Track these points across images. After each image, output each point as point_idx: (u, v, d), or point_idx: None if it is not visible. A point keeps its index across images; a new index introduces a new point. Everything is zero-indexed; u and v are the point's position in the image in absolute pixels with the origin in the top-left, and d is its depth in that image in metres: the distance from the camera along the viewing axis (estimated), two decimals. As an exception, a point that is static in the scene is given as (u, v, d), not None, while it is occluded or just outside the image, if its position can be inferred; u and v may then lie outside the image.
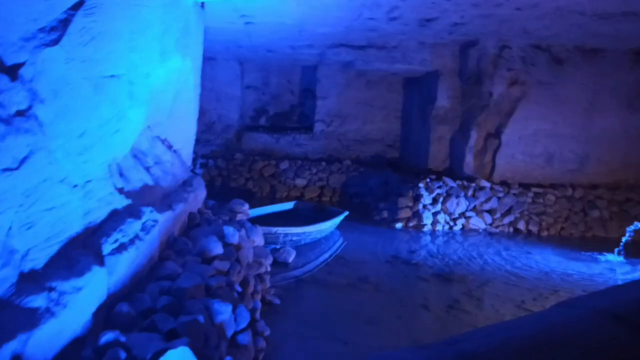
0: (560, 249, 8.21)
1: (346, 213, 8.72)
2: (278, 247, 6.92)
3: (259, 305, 4.47)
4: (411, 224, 9.09)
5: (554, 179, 9.98)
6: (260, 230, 5.80)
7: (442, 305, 5.61)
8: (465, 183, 9.58)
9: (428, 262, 7.18)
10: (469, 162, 10.25)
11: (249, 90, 13.52)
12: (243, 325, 3.72)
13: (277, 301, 5.08)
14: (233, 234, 4.81)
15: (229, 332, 3.55)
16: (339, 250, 7.53)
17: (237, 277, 4.35)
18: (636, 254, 7.64)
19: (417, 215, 9.08)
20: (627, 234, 7.66)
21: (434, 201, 9.26)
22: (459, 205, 9.20)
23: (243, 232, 5.16)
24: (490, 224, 9.26)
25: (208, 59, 12.33)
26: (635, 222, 7.98)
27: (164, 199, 4.61)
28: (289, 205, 9.18)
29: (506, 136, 9.88)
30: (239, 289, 4.11)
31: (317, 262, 6.88)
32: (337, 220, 8.19)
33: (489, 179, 10.04)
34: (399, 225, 9.09)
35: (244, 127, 13.16)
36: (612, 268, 7.29)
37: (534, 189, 9.51)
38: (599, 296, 1.60)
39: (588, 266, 7.33)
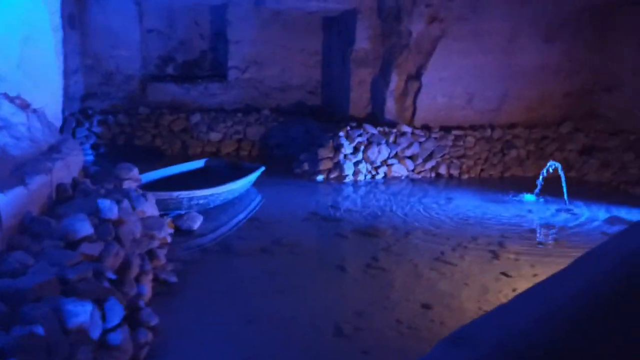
0: (480, 192, 8.14)
1: (262, 169, 8.06)
2: (182, 212, 6.19)
3: (146, 290, 3.81)
4: (332, 176, 8.63)
5: (474, 120, 9.83)
6: (151, 198, 5.04)
7: (360, 264, 5.24)
8: (387, 129, 9.18)
9: (348, 217, 6.78)
10: (390, 106, 9.84)
11: (151, 35, 12.06)
12: (115, 321, 3.07)
13: (173, 279, 4.44)
14: (110, 208, 4.04)
15: (95, 334, 2.90)
16: (254, 211, 6.94)
17: (113, 261, 3.64)
18: (552, 192, 7.70)
19: (339, 166, 8.62)
20: (542, 174, 7.66)
21: (355, 150, 8.81)
22: (380, 153, 8.83)
23: (126, 203, 4.39)
24: (413, 170, 9.01)
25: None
26: (550, 161, 8.00)
27: (15, 172, 3.71)
28: (199, 164, 8.37)
29: (427, 77, 9.50)
30: (112, 276, 3.41)
31: (229, 226, 6.26)
32: (251, 177, 7.53)
33: (410, 124, 9.71)
34: (320, 177, 8.60)
35: (149, 77, 11.84)
36: (529, 209, 7.28)
37: (454, 132, 9.31)
38: (494, 324, 1.10)
39: (506, 209, 7.28)
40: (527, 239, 6.05)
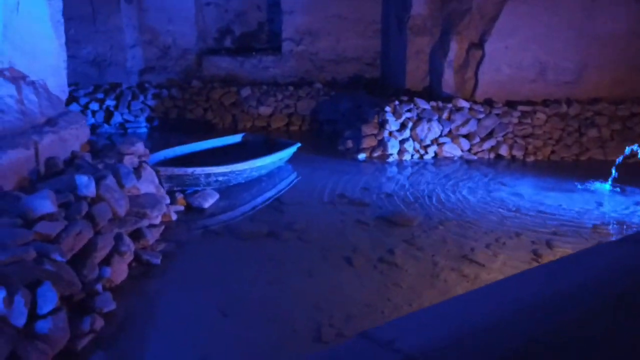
0: (544, 178, 7.04)
1: (297, 145, 7.62)
2: (199, 189, 5.96)
3: (109, 272, 3.56)
4: (376, 154, 7.96)
5: (547, 94, 8.55)
6: (149, 174, 4.80)
7: (371, 258, 4.64)
8: (441, 104, 8.26)
9: (378, 201, 6.15)
10: (449, 79, 8.85)
11: (208, 8, 11.97)
12: (48, 307, 2.83)
13: (156, 261, 4.18)
14: (87, 185, 3.83)
15: (18, 321, 2.67)
16: (281, 191, 6.53)
17: (73, 242, 3.42)
18: (632, 181, 6.43)
19: (382, 143, 7.92)
20: (622, 157, 6.39)
21: (402, 127, 8.03)
22: (430, 130, 7.96)
23: (110, 180, 4.16)
24: (468, 151, 8.05)
25: (153, -28, 10.78)
26: (636, 144, 6.67)
27: (-12, 145, 3.59)
28: (236, 138, 8.11)
29: (490, 46, 8.36)
30: (60, 258, 3.17)
31: (246, 206, 5.92)
32: (281, 155, 7.10)
33: (471, 98, 8.68)
34: (362, 156, 7.97)
35: (206, 51, 11.79)
36: (599, 201, 6.13)
37: (520, 108, 8.15)
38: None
39: (570, 199, 6.18)
40: (586, 239, 5.03)
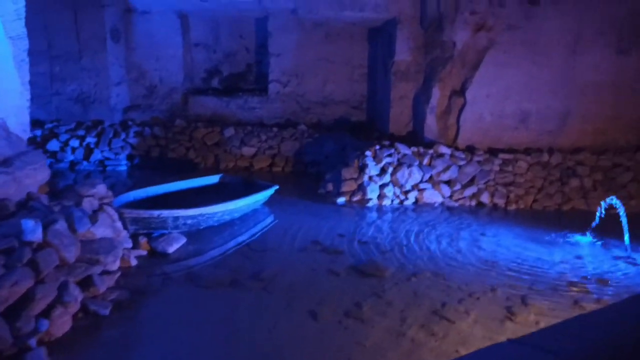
0: (525, 228, 6.88)
1: (275, 188, 7.48)
2: (166, 233, 5.74)
3: (46, 325, 3.30)
4: (355, 199, 7.81)
5: (530, 142, 8.53)
6: (107, 216, 4.59)
7: (337, 311, 4.39)
8: (422, 150, 8.19)
9: (352, 249, 5.94)
10: (431, 125, 8.84)
11: (198, 49, 12.09)
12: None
13: (104, 312, 3.92)
14: (33, 230, 3.63)
15: None
16: (254, 236, 6.31)
17: (8, 292, 3.18)
18: (612, 233, 6.28)
19: (362, 188, 7.78)
20: (600, 209, 6.26)
21: (382, 171, 7.92)
22: (411, 175, 7.85)
23: (60, 224, 3.96)
24: (450, 197, 7.92)
25: (142, 13, 10.93)
26: (614, 197, 6.55)
27: None
28: (213, 179, 7.96)
29: (472, 93, 8.39)
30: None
31: (213, 252, 5.69)
32: (256, 197, 6.93)
33: (453, 144, 8.64)
34: (341, 200, 7.81)
35: (192, 90, 11.81)
36: (579, 254, 5.95)
37: (501, 155, 8.09)
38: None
39: (550, 252, 6.00)
40: (562, 296, 4.82)
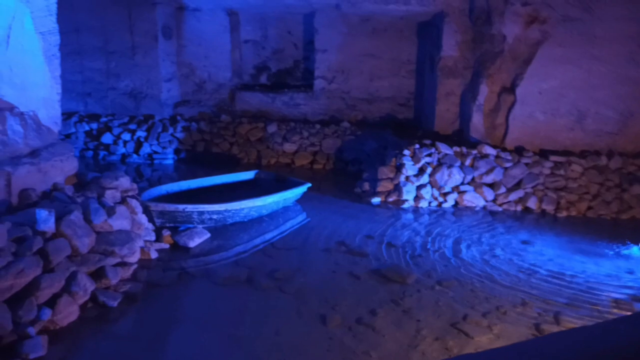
0: (574, 237, 6.32)
1: (307, 185, 7.36)
2: (192, 227, 5.78)
3: (48, 314, 3.38)
4: (391, 199, 7.53)
5: (586, 145, 7.84)
6: (126, 209, 4.66)
7: (350, 317, 4.20)
8: (465, 150, 7.75)
9: (378, 252, 5.70)
10: (478, 123, 8.36)
11: (247, 45, 12.19)
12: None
13: (112, 303, 3.97)
14: (46, 219, 3.73)
15: None
16: (282, 234, 6.22)
17: (13, 280, 3.27)
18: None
19: (398, 188, 7.48)
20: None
21: (421, 171, 7.57)
22: (451, 177, 7.45)
23: (75, 215, 4.05)
24: (493, 201, 7.44)
25: (193, 11, 11.17)
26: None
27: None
28: (249, 175, 7.97)
29: (523, 90, 7.83)
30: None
31: (236, 249, 5.65)
32: (285, 194, 6.84)
33: (501, 145, 8.12)
34: (376, 200, 7.56)
35: (240, 86, 11.95)
36: (631, 269, 5.35)
37: (553, 157, 7.48)
38: None
39: (597, 264, 5.45)
40: (602, 315, 4.34)
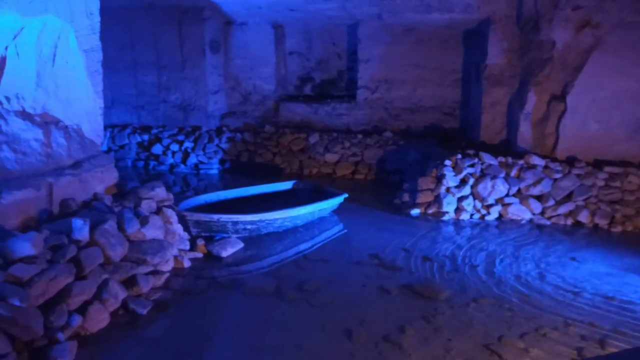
0: (629, 254, 5.87)
1: (344, 196, 7.30)
2: (226, 236, 5.87)
3: (77, 321, 3.51)
4: (430, 211, 7.32)
5: (646, 156, 7.28)
6: (159, 219, 4.79)
7: (376, 333, 4.09)
8: (510, 160, 7.42)
9: (414, 267, 5.53)
10: (525, 133, 8.00)
11: (292, 57, 12.37)
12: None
13: (142, 311, 4.08)
14: (81, 228, 3.90)
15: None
16: (316, 245, 6.18)
17: (46, 286, 3.44)
18: None
19: (438, 200, 7.26)
20: None
21: (462, 183, 7.32)
22: (495, 188, 7.14)
23: (109, 224, 4.21)
24: (540, 214, 7.06)
25: (240, 25, 11.48)
26: None
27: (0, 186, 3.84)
28: (287, 185, 8.02)
29: (574, 98, 7.41)
30: (19, 303, 3.17)
31: (268, 259, 5.66)
32: (321, 205, 6.80)
33: (552, 155, 7.71)
34: (415, 211, 7.38)
35: (284, 97, 12.11)
36: (692, 291, 4.88)
37: (608, 169, 7.00)
38: None
39: (652, 285, 5.02)
40: (655, 341, 3.97)
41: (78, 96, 4.75)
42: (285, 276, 5.19)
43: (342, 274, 5.35)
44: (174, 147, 10.98)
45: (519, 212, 7.05)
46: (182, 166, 10.79)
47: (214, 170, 10.69)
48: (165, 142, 11.09)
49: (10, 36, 3.93)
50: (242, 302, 4.59)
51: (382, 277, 5.23)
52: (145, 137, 11.34)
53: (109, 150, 11.39)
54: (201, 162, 10.77)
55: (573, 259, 5.76)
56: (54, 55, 4.39)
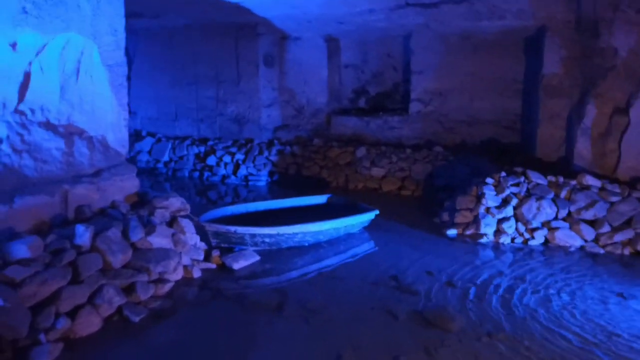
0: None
1: (375, 212, 7.04)
2: (245, 248, 5.87)
3: (62, 323, 3.64)
4: (468, 232, 6.83)
5: None
6: (163, 229, 4.88)
7: (366, 361, 3.83)
8: (561, 180, 6.73)
9: (433, 292, 5.15)
10: (583, 149, 7.26)
11: (347, 70, 12.30)
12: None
13: (134, 319, 4.15)
14: (82, 234, 4.07)
15: None
16: (337, 263, 5.98)
17: (37, 288, 3.61)
18: None
19: (477, 220, 6.76)
20: None
21: (504, 203, 6.75)
22: (540, 210, 6.50)
23: (112, 231, 4.35)
24: (593, 241, 6.31)
25: (295, 39, 11.64)
26: None
27: (13, 191, 4.13)
28: (321, 199, 7.91)
29: (639, 111, 6.59)
30: (2, 303, 3.34)
31: (281, 275, 5.55)
32: (346, 221, 6.59)
33: (613, 175, 6.91)
34: (452, 232, 6.93)
35: (336, 111, 12.05)
36: None
37: (677, 193, 6.12)
38: None
39: None
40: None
41: (103, 108, 5.03)
42: (292, 292, 5.06)
43: (352, 294, 5.12)
44: (227, 158, 11.31)
45: (568, 237, 6.36)
46: (233, 177, 11.06)
47: (262, 182, 10.84)
48: (219, 153, 11.46)
49: (33, 53, 4.27)
50: (237, 317, 4.53)
51: (394, 301, 4.92)
52: (202, 148, 11.80)
53: (170, 161, 12.03)
54: (250, 174, 10.98)
55: (620, 294, 5.05)
56: (78, 70, 4.69)
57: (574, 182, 6.64)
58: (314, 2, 7.84)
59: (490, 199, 6.75)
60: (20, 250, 3.75)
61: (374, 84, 12.34)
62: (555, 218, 6.49)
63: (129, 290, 4.32)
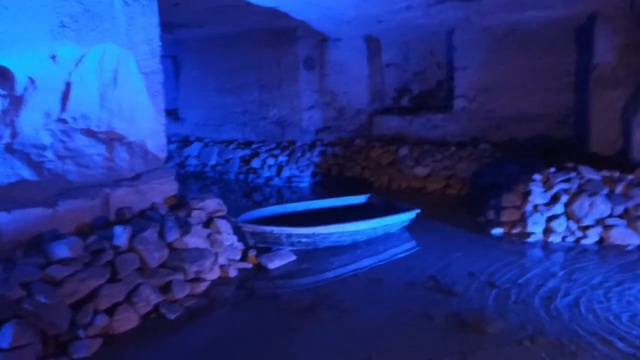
0: None
1: (416, 211, 6.87)
2: (281, 248, 5.90)
3: (100, 319, 3.79)
4: (515, 231, 6.52)
5: None
6: (199, 229, 4.97)
7: (397, 364, 3.73)
8: (616, 175, 6.30)
9: (473, 293, 4.95)
10: (641, 142, 6.75)
11: (389, 69, 12.13)
12: (3, 343, 3.18)
13: (170, 316, 4.27)
14: (120, 235, 4.23)
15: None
16: (374, 264, 5.88)
17: (76, 286, 3.79)
18: None
19: (524, 218, 6.45)
20: None
21: (553, 200, 6.39)
22: (593, 207, 6.11)
23: (149, 232, 4.48)
24: (654, 240, 5.85)
25: (334, 41, 11.63)
26: None
27: (56, 195, 4.37)
28: (361, 199, 7.82)
29: None
30: (44, 300, 3.52)
31: (317, 275, 5.53)
32: (384, 221, 6.46)
33: (676, 169, 6.38)
34: (497, 231, 6.64)
35: (378, 111, 11.91)
36: None
37: None
38: None
39: None
40: None
41: (141, 115, 5.23)
42: (326, 293, 5.02)
43: (388, 295, 5.01)
44: (270, 161, 11.45)
45: (625, 236, 5.93)
46: (277, 179, 11.18)
47: (305, 183, 10.88)
48: (263, 156, 11.63)
49: (73, 64, 4.50)
50: (269, 316, 4.53)
51: (431, 302, 4.77)
52: (247, 151, 12.03)
53: (217, 164, 12.35)
54: (294, 176, 11.06)
55: (683, 296, 4.64)
56: (115, 79, 4.90)
57: (631, 177, 6.20)
58: (349, 2, 7.78)
59: (538, 195, 6.42)
60: (62, 250, 3.95)
61: (417, 83, 12.09)
62: (610, 215, 6.08)
63: (165, 288, 4.44)
